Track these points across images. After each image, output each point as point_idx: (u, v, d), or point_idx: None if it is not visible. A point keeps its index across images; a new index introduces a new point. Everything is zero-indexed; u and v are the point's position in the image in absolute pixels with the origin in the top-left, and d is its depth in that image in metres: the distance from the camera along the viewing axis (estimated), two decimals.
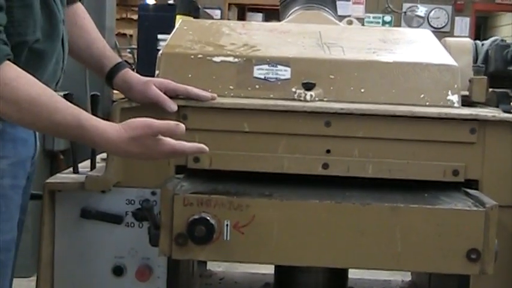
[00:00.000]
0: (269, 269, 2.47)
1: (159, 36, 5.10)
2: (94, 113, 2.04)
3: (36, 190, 2.07)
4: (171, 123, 1.73)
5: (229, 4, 12.41)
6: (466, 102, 2.16)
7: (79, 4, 2.10)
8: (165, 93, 1.93)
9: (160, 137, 1.70)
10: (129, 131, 1.67)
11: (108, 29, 5.86)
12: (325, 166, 1.94)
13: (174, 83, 1.96)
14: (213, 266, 2.96)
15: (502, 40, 2.42)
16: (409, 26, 11.70)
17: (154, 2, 9.26)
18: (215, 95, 1.98)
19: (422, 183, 1.94)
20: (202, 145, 1.75)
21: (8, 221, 1.74)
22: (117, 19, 7.46)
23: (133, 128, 1.68)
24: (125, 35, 12.34)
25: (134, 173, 1.96)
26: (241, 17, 12.79)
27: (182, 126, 1.71)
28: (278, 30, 2.37)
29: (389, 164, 1.94)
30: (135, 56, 7.51)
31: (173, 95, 1.94)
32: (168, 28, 2.58)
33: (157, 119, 1.73)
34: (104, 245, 1.99)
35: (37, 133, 1.89)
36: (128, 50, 9.91)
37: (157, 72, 2.09)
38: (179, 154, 1.76)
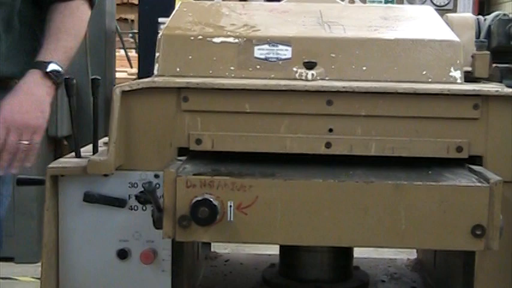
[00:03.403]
0: (275, 250, 2.48)
1: (160, 20, 5.09)
2: (95, 96, 2.05)
3: (41, 176, 2.07)
4: None
5: None
6: (468, 78, 2.15)
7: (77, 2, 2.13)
8: None
9: None
10: None
11: (108, 14, 5.84)
12: (328, 145, 1.93)
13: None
14: (220, 248, 2.96)
15: (505, 15, 2.39)
16: (412, 4, 11.63)
17: None
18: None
19: (425, 160, 1.93)
20: None
21: None
22: (118, 4, 7.45)
23: None
24: (126, 20, 12.31)
25: (136, 155, 1.95)
26: None
27: None
28: (278, 10, 2.35)
29: (392, 141, 1.93)
30: (137, 41, 7.48)
31: None
32: (168, 11, 2.56)
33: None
34: (107, 229, 1.98)
35: None
36: (130, 35, 9.90)
37: (157, 54, 2.08)
38: None
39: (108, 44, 5.94)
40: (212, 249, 2.93)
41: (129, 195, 1.97)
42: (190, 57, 2.06)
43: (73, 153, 2.12)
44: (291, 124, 1.93)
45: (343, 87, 1.91)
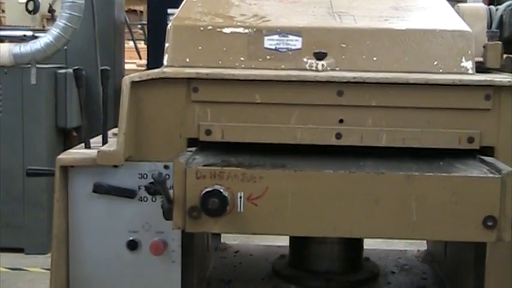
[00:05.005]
0: (285, 241, 2.47)
1: (169, 11, 5.08)
2: (104, 87, 2.05)
3: (50, 167, 2.07)
4: None
5: None
6: (480, 68, 2.13)
7: None
8: None
9: None
10: None
11: (117, 5, 5.85)
12: (339, 136, 1.92)
13: None
14: (230, 240, 2.96)
15: None
16: None
17: None
18: None
19: (437, 151, 1.92)
20: None
21: None
22: None
23: None
24: (135, 11, 12.31)
25: (146, 146, 1.95)
26: None
27: None
28: (288, 0, 2.34)
29: (403, 132, 1.92)
30: (146, 32, 7.49)
31: None
32: (177, 2, 2.55)
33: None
34: (117, 220, 1.98)
35: None
36: (139, 26, 9.90)
37: (166, 45, 2.07)
38: None
39: (117, 35, 5.95)
40: (222, 241, 2.93)
41: (139, 186, 1.97)
42: (200, 47, 2.05)
43: (82, 144, 2.12)
44: (302, 115, 1.92)
45: (354, 78, 1.90)
